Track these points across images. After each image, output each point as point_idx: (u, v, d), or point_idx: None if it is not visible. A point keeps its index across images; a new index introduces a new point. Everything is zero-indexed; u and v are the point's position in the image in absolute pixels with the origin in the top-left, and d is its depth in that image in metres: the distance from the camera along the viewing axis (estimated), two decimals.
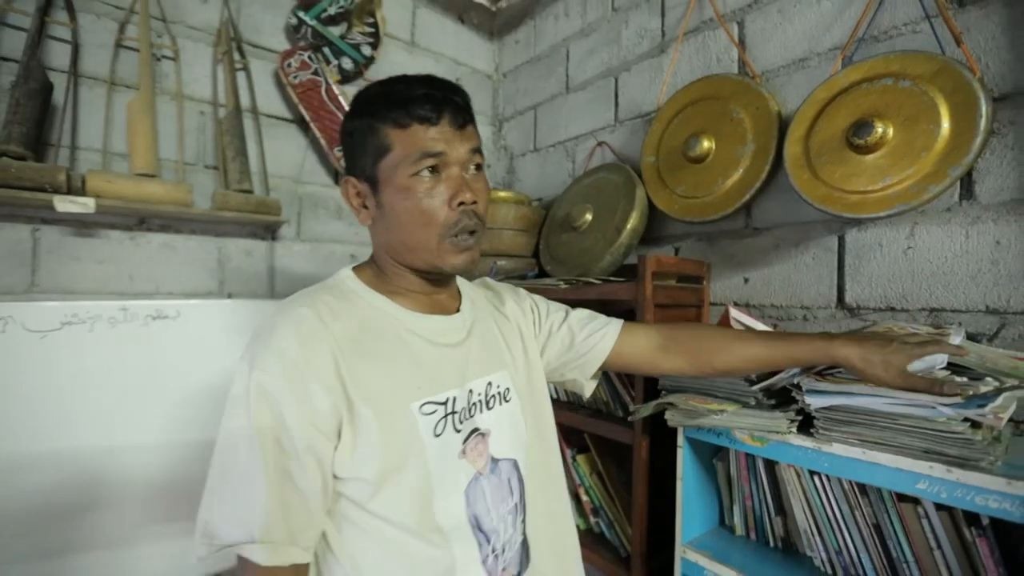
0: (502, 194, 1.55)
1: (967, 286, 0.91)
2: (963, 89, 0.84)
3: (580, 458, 1.30)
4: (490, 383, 0.70)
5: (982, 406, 0.65)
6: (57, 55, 1.22)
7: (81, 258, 1.26)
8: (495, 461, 0.67)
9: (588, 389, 0.89)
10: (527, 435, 0.73)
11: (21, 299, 1.18)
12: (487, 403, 0.69)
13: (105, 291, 1.30)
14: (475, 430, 0.66)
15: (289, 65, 1.53)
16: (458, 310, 0.74)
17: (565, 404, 1.35)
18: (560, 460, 0.81)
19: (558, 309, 0.88)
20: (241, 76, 1.48)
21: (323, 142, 1.59)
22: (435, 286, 0.71)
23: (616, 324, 0.85)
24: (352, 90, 1.69)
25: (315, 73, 1.57)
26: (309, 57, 1.56)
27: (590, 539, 1.29)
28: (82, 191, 1.13)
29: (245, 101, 1.49)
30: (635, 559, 1.11)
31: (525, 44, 1.96)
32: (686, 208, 1.24)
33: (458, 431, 0.64)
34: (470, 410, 0.66)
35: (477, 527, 0.63)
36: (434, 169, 0.62)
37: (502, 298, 0.85)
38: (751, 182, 1.13)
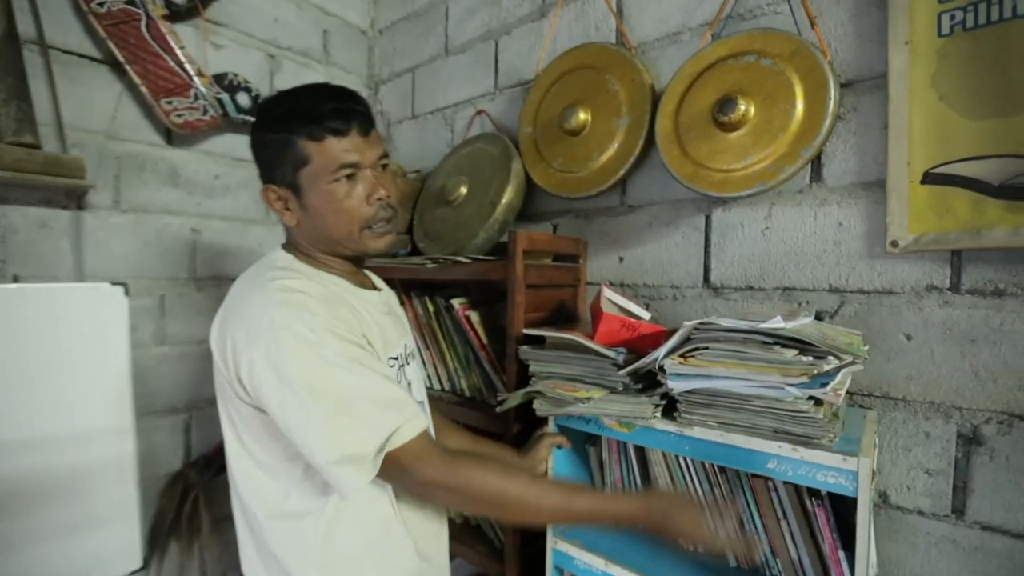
0: None
1: (814, 266, 0.94)
2: (816, 71, 0.86)
3: None
4: (406, 345, 0.86)
5: (824, 384, 0.66)
6: None
7: None
8: (420, 403, 0.81)
9: None
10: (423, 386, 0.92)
11: None
12: (407, 360, 0.85)
13: None
14: (408, 381, 0.84)
15: None
16: (376, 288, 0.88)
17: (438, 392, 1.25)
18: None
19: None
20: None
21: (145, 90, 1.30)
22: (357, 269, 0.84)
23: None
24: (185, 30, 1.40)
25: (131, 3, 1.27)
26: None
27: (466, 532, 1.23)
28: None
29: (27, 30, 1.16)
30: (508, 551, 1.06)
31: None
32: (562, 183, 1.19)
33: (400, 381, 0.80)
34: (403, 366, 0.82)
35: None
36: (350, 176, 0.72)
37: (389, 291, 0.98)
38: (626, 157, 1.10)
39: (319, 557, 0.71)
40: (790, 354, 0.68)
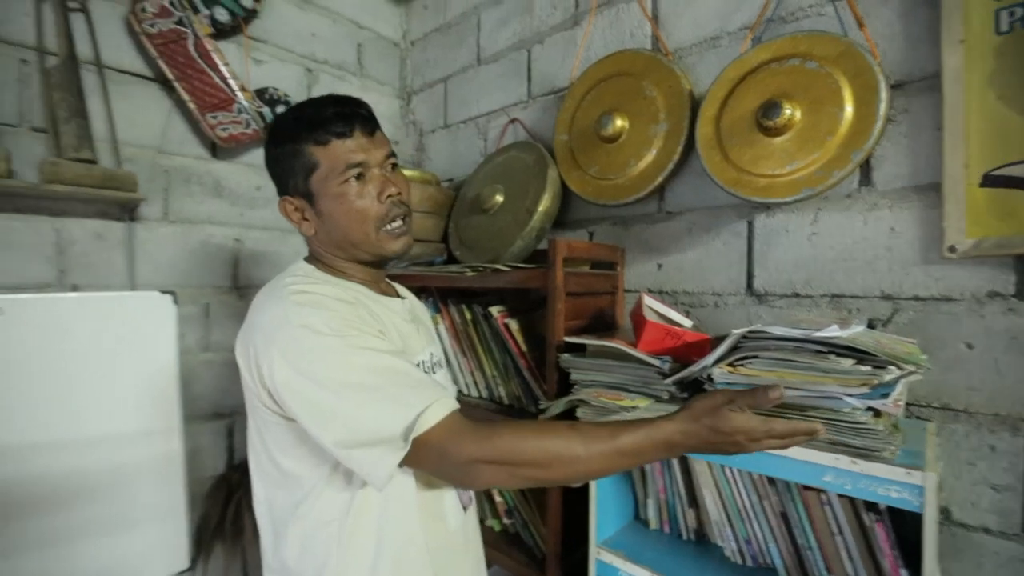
0: (408, 173, 1.41)
1: (864, 272, 0.92)
2: (865, 73, 0.84)
3: None
4: (432, 353, 0.85)
5: (885, 395, 0.64)
6: None
7: None
8: None
9: None
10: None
11: None
12: (432, 369, 0.83)
13: None
14: None
15: (143, 10, 1.27)
16: (399, 296, 0.87)
17: (475, 400, 1.26)
18: None
19: None
20: (79, 20, 1.21)
21: (192, 106, 1.35)
22: (378, 274, 0.83)
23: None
24: (228, 47, 1.45)
25: (180, 23, 1.32)
26: (171, 3, 1.31)
27: (504, 540, 1.22)
28: None
29: (85, 51, 1.22)
30: (550, 559, 1.05)
31: (434, 10, 1.80)
32: (599, 190, 1.18)
33: None
34: (430, 371, 0.81)
35: None
36: (359, 176, 0.72)
37: (415, 300, 0.97)
38: (664, 164, 1.09)
39: (334, 569, 0.68)
40: (847, 363, 0.66)
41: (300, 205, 0.76)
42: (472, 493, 0.85)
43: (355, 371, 0.62)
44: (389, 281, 0.90)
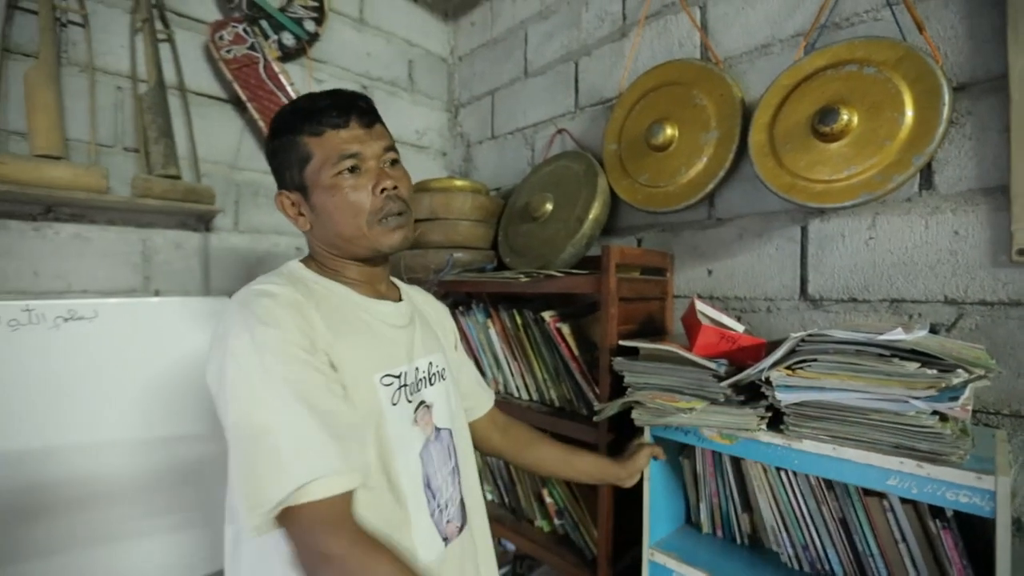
0: (459, 183, 1.47)
1: (926, 276, 0.91)
2: (926, 77, 0.83)
3: None
4: (431, 363, 0.80)
5: (954, 399, 0.64)
6: None
7: None
8: (437, 430, 0.77)
9: None
10: (456, 410, 0.84)
11: None
12: (430, 380, 0.78)
13: (4, 289, 1.14)
14: (422, 402, 0.76)
15: (221, 38, 1.38)
16: (399, 299, 0.82)
17: (526, 403, 1.29)
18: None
19: (463, 350, 0.99)
20: (165, 48, 1.33)
21: (261, 124, 1.45)
22: (376, 274, 0.78)
23: (491, 397, 0.99)
24: (294, 69, 1.56)
25: (252, 48, 1.43)
26: (245, 30, 1.42)
27: (554, 541, 1.25)
28: None
29: (170, 77, 1.34)
30: (601, 561, 1.07)
31: (481, 26, 1.87)
32: (649, 197, 1.20)
33: (410, 402, 0.73)
34: (417, 384, 0.75)
35: (427, 485, 0.72)
36: (354, 168, 0.69)
37: (434, 304, 0.95)
38: (715, 171, 1.10)
39: None
40: (912, 367, 0.66)
41: (296, 199, 0.72)
42: (461, 519, 0.77)
43: (255, 423, 0.57)
44: (396, 282, 0.87)
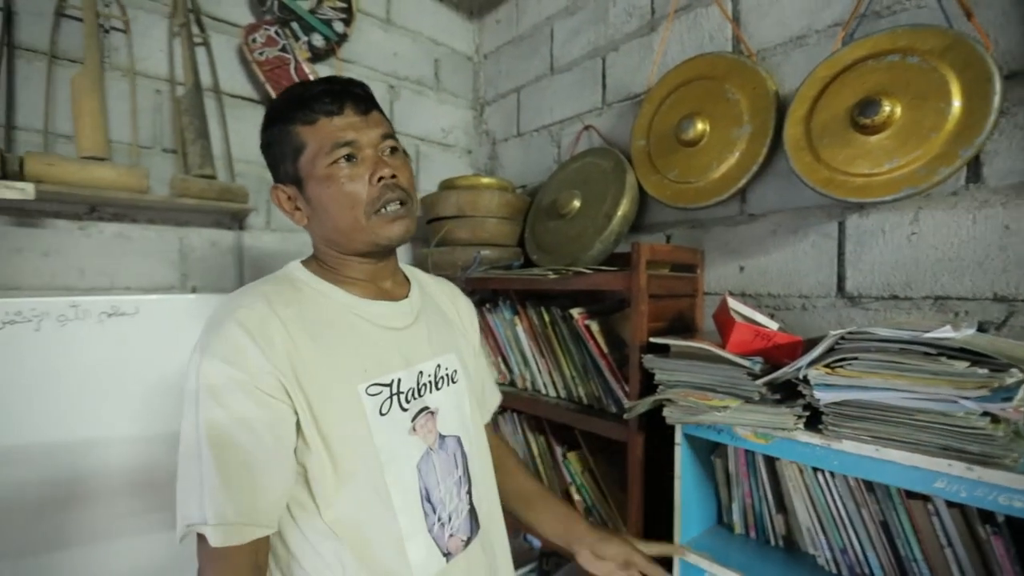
0: (485, 180, 1.47)
1: (974, 273, 0.87)
2: (975, 65, 0.80)
3: (571, 456, 1.25)
4: (439, 365, 0.75)
5: (1007, 399, 0.61)
6: None
7: (23, 250, 1.15)
8: (442, 437, 0.73)
9: None
10: (470, 414, 0.79)
11: None
12: (436, 384, 0.74)
13: (53, 286, 1.18)
14: (424, 408, 0.71)
15: (254, 40, 1.41)
16: (406, 296, 0.77)
17: (554, 400, 1.29)
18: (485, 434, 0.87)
19: (481, 341, 0.96)
20: (201, 52, 1.37)
21: None
22: (379, 271, 0.75)
23: (494, 405, 0.95)
24: (324, 69, 1.58)
25: (283, 50, 1.46)
26: (276, 32, 1.45)
27: None
28: (20, 175, 1.02)
29: (206, 79, 1.37)
30: None
31: (507, 24, 1.87)
32: (678, 194, 1.19)
33: (405, 410, 0.69)
34: (419, 390, 0.71)
35: (426, 498, 0.69)
36: (350, 157, 0.66)
37: (455, 296, 0.91)
38: (747, 166, 1.08)
39: None
40: (962, 365, 0.64)
41: (291, 193, 0.70)
42: (469, 531, 0.73)
43: (194, 451, 0.59)
44: (412, 275, 0.83)
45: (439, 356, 0.76)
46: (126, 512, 1.19)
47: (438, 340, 0.77)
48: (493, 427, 0.94)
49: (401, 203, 0.69)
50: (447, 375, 0.76)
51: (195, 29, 1.35)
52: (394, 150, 0.71)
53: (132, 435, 1.21)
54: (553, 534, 0.88)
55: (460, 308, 0.90)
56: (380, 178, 0.67)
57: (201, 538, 0.58)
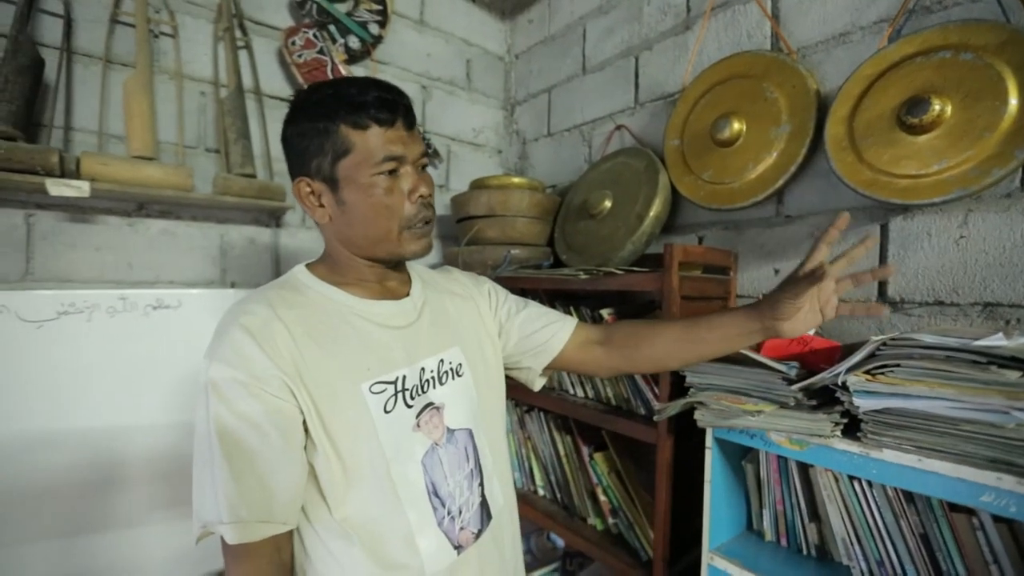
0: (515, 180, 1.48)
1: None
2: None
3: (598, 456, 1.25)
4: (442, 360, 0.75)
5: None
6: (49, 30, 1.16)
7: (77, 245, 1.21)
8: (451, 431, 0.74)
9: (538, 384, 0.90)
10: (480, 406, 0.79)
11: (16, 288, 1.13)
12: (440, 379, 0.74)
13: (103, 279, 1.24)
14: (429, 404, 0.72)
15: (293, 43, 1.45)
16: (408, 294, 0.78)
17: (581, 400, 1.29)
18: (504, 423, 0.87)
19: (516, 300, 0.92)
20: (243, 55, 1.41)
21: None
22: (388, 274, 0.76)
23: (570, 322, 0.89)
24: (359, 70, 1.61)
25: (321, 52, 1.50)
26: (314, 35, 1.48)
27: (608, 540, 1.24)
28: (76, 174, 1.07)
29: (247, 81, 1.42)
30: (657, 563, 1.05)
31: (539, 24, 1.87)
32: (712, 194, 1.17)
33: (409, 406, 0.70)
34: (423, 386, 0.72)
35: (433, 493, 0.69)
36: (393, 171, 0.67)
37: (460, 281, 0.90)
38: (785, 166, 1.06)
39: None
40: (1014, 375, 0.61)
41: (319, 189, 0.68)
42: (480, 524, 0.74)
43: (206, 452, 0.61)
44: (414, 271, 0.84)
45: (442, 351, 0.76)
46: (162, 498, 1.25)
47: (441, 335, 0.77)
48: (598, 329, 0.87)
49: (428, 222, 0.71)
50: (451, 369, 0.76)
51: (238, 33, 1.39)
52: (424, 167, 0.72)
53: (171, 423, 1.27)
54: (740, 337, 0.74)
55: (467, 286, 0.89)
56: (420, 196, 0.69)
57: (223, 538, 0.61)
